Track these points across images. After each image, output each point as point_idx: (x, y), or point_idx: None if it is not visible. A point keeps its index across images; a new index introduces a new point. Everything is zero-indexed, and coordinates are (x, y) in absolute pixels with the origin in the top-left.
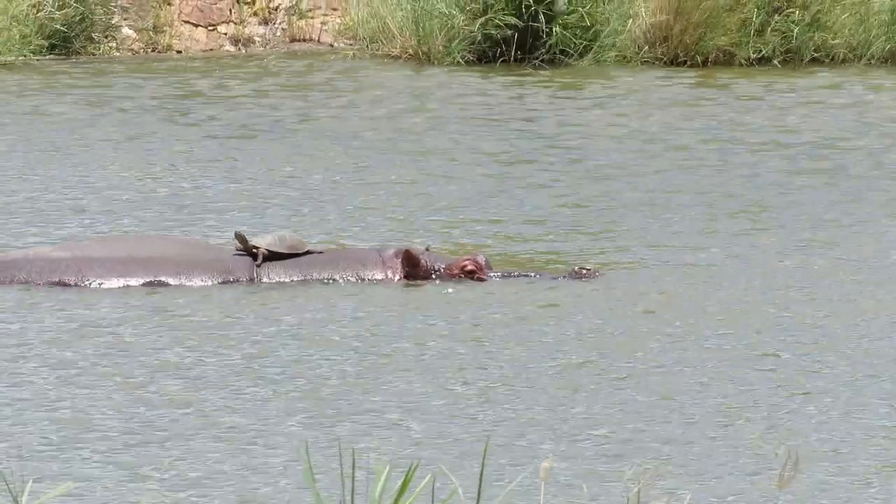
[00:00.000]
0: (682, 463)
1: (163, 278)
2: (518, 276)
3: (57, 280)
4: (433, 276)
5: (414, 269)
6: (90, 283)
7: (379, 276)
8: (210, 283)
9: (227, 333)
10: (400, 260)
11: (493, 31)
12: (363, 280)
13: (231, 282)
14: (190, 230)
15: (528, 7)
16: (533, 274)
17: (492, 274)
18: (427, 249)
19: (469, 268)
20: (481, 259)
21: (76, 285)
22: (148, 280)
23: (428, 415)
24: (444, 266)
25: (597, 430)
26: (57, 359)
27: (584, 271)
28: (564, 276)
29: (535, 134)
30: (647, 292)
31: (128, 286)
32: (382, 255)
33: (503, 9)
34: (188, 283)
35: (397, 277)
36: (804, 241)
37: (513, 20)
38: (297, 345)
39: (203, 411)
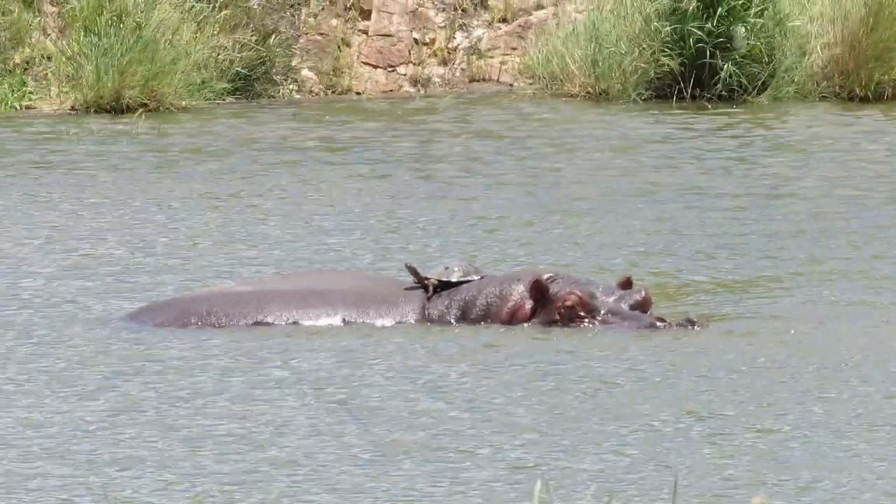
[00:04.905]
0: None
1: (340, 314)
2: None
3: (237, 313)
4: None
5: (543, 297)
6: (263, 319)
7: (511, 303)
8: (381, 319)
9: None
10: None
11: (667, 68)
12: (502, 307)
13: (401, 318)
14: (383, 265)
15: (698, 43)
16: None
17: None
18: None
19: (568, 303)
20: (639, 299)
21: (254, 320)
22: (325, 316)
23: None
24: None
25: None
26: (241, 396)
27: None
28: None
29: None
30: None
31: (305, 322)
32: (524, 283)
33: (669, 45)
34: (362, 320)
35: (528, 305)
36: None
37: (677, 58)
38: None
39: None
